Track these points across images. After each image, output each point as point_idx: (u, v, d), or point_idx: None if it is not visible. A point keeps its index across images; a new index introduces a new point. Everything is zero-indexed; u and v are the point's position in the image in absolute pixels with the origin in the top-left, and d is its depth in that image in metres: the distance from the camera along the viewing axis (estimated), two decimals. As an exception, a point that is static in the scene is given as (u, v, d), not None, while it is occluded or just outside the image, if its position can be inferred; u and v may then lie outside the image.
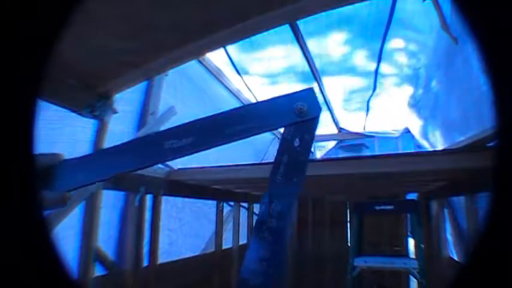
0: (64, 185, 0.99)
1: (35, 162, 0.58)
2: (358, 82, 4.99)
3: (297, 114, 0.99)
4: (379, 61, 4.18)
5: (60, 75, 1.88)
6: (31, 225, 0.54)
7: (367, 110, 5.72)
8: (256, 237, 0.92)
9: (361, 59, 4.37)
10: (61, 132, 2.23)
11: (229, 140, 1.02)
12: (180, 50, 1.93)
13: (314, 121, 1.00)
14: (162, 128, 2.97)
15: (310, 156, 1.02)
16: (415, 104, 4.75)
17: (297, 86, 4.93)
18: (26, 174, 0.55)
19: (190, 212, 3.66)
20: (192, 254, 3.55)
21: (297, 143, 0.97)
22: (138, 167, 1.08)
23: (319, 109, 1.01)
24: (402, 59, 4.37)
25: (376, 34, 3.64)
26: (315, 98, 1.03)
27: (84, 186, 1.07)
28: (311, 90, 1.04)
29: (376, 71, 4.42)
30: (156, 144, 1.07)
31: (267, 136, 6.30)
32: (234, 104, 4.74)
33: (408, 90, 4.88)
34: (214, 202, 3.93)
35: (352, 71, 4.67)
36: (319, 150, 7.29)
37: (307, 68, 4.29)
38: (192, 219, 3.72)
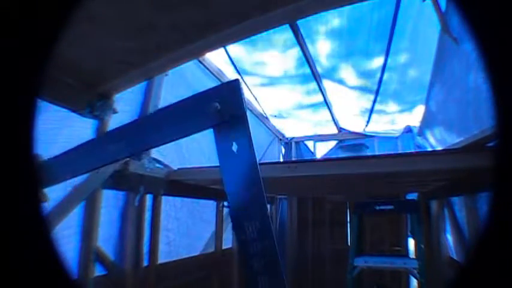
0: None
1: (35, 162, 0.58)
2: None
3: (215, 115, 0.86)
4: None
5: (60, 75, 1.88)
6: (31, 225, 0.54)
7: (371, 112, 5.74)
8: (249, 268, 0.83)
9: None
10: (60, 132, 2.23)
11: (152, 146, 1.03)
12: (180, 50, 1.93)
13: (240, 120, 0.86)
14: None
15: (254, 156, 0.88)
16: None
17: (296, 87, 4.94)
18: (26, 174, 0.55)
19: (188, 212, 3.66)
20: (189, 254, 3.54)
21: (234, 147, 0.86)
22: (90, 170, 1.12)
23: (242, 105, 0.87)
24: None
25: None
26: (235, 93, 0.88)
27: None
28: (228, 84, 0.90)
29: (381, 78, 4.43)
30: (101, 147, 1.09)
31: (266, 136, 6.31)
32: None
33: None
34: (213, 202, 3.93)
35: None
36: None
37: (307, 68, 4.29)
38: (190, 220, 3.72)
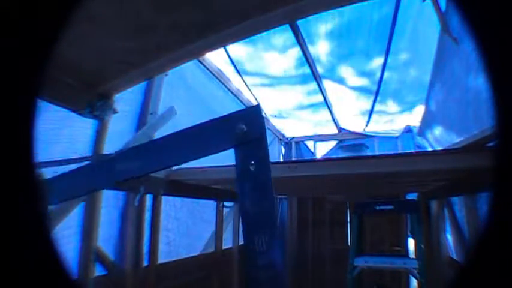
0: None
1: (35, 161, 0.58)
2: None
3: (240, 136, 0.94)
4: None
5: (61, 75, 1.88)
6: (31, 225, 0.54)
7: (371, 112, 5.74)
8: (254, 280, 0.87)
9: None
10: (60, 132, 2.23)
11: (168, 166, 1.05)
12: (180, 50, 1.93)
13: (260, 141, 0.96)
14: (163, 128, 2.97)
15: (270, 174, 0.96)
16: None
17: (296, 87, 4.94)
18: (26, 173, 0.55)
19: (188, 212, 3.66)
20: (189, 254, 3.54)
21: (252, 167, 0.93)
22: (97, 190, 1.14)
23: (262, 128, 0.98)
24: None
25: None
26: (257, 116, 0.98)
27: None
28: (252, 109, 1.01)
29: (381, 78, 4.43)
30: (110, 167, 1.10)
31: (267, 136, 6.30)
32: (232, 104, 4.74)
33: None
34: (213, 202, 3.93)
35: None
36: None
37: (307, 69, 4.29)
38: (190, 220, 3.72)
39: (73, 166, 2.33)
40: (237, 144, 0.95)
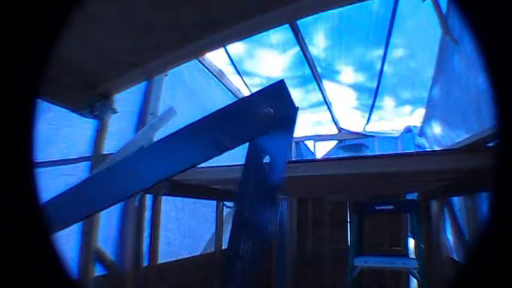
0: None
1: (35, 161, 0.58)
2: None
3: (264, 123, 0.72)
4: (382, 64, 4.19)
5: (61, 75, 1.88)
6: (31, 225, 0.54)
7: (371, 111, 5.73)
8: (227, 277, 0.76)
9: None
10: (60, 132, 2.23)
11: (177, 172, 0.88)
12: (180, 50, 1.93)
13: (289, 127, 0.72)
14: (162, 128, 2.97)
15: (283, 175, 0.77)
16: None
17: (296, 87, 4.94)
18: (26, 173, 0.55)
19: (189, 212, 3.66)
20: (189, 254, 3.54)
21: (265, 160, 0.72)
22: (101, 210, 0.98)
23: (293, 109, 0.74)
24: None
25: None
26: (284, 94, 0.75)
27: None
28: (277, 86, 0.77)
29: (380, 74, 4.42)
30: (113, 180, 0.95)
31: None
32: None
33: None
34: (213, 202, 3.93)
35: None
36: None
37: (307, 68, 4.29)
38: (191, 220, 3.72)
39: (72, 166, 2.34)
40: (261, 133, 0.72)
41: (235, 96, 4.79)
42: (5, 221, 0.51)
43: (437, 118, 4.40)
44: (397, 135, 6.46)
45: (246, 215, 0.76)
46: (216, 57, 4.13)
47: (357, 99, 5.46)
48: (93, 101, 2.13)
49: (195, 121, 0.89)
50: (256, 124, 0.72)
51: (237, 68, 4.46)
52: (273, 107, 0.72)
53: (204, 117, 0.89)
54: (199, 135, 0.87)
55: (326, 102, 5.38)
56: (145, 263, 2.72)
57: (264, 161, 0.72)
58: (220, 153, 0.84)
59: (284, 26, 3.23)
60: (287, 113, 0.72)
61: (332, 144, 7.14)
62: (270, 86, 0.76)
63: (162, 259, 2.95)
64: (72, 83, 1.99)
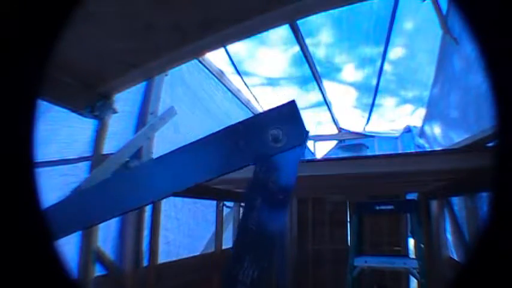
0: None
1: (35, 161, 0.58)
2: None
3: (271, 147, 0.70)
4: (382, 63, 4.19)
5: (61, 75, 1.88)
6: (31, 224, 0.54)
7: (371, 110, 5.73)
8: None
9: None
10: (60, 132, 2.23)
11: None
12: (180, 50, 1.93)
13: (298, 151, 0.69)
14: (162, 128, 2.97)
15: (290, 195, 0.74)
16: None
17: (296, 86, 4.94)
18: (26, 173, 0.55)
19: (188, 212, 3.66)
20: (189, 254, 3.54)
21: (272, 181, 0.70)
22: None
23: (304, 134, 0.71)
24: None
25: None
26: (295, 117, 0.71)
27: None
28: (288, 107, 0.72)
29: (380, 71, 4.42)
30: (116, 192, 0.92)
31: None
32: (231, 104, 4.73)
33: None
34: (213, 202, 3.93)
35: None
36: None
37: (307, 68, 4.29)
38: (190, 220, 3.72)
39: (72, 166, 2.34)
40: (269, 155, 0.70)
41: (235, 96, 4.78)
42: (5, 221, 0.51)
43: (437, 118, 4.40)
44: (397, 135, 6.46)
45: (252, 231, 0.73)
46: (216, 57, 4.13)
47: (357, 99, 5.47)
48: (93, 101, 2.13)
49: (203, 138, 0.86)
50: (264, 147, 0.70)
51: (237, 68, 4.46)
52: (282, 130, 0.69)
53: (211, 135, 0.86)
54: (207, 152, 0.85)
55: (326, 102, 5.38)
56: (145, 263, 2.73)
57: (272, 180, 0.70)
58: (227, 173, 0.84)
59: (284, 26, 3.23)
60: (297, 136, 0.69)
61: (332, 144, 7.14)
62: (280, 106, 0.72)
63: (161, 259, 2.95)
64: (72, 83, 1.99)
